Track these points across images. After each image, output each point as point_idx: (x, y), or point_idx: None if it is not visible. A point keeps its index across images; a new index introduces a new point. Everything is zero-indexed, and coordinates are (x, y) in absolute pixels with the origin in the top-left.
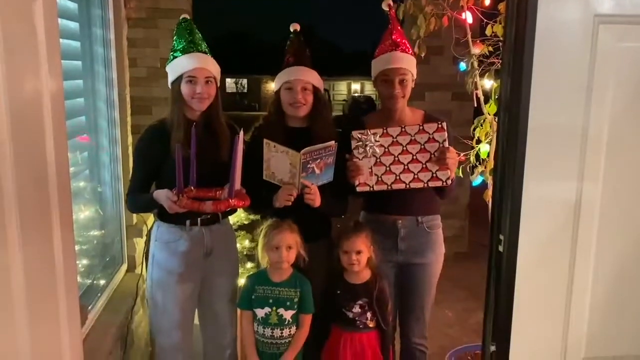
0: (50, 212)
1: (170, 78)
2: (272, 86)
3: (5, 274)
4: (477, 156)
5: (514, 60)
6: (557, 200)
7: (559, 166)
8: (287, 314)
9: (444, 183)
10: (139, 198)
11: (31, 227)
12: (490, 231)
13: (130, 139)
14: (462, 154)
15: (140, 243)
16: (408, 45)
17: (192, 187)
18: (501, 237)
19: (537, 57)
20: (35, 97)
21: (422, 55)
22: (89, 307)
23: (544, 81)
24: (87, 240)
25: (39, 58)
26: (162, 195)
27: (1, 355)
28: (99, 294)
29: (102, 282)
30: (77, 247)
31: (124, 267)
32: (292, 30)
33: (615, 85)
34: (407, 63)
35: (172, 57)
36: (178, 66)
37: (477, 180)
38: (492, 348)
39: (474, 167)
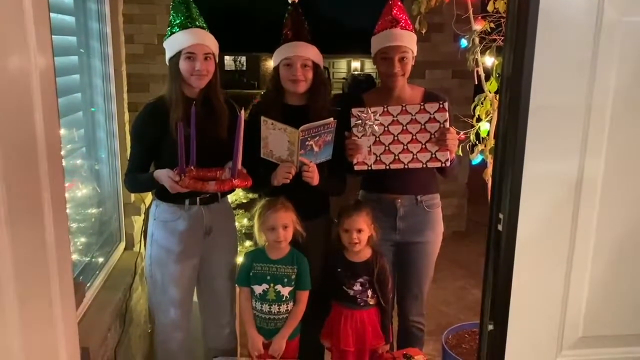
0: (41, 191)
1: (168, 54)
2: (271, 64)
3: None
4: (477, 135)
5: (517, 35)
6: (558, 179)
7: (561, 143)
8: (285, 291)
9: (443, 164)
10: (138, 178)
11: (20, 206)
12: (490, 210)
13: (127, 116)
14: (461, 133)
15: (138, 221)
16: (409, 21)
17: (192, 167)
18: (501, 216)
19: (540, 32)
20: (22, 73)
21: (423, 31)
22: (87, 285)
23: (547, 57)
24: (84, 218)
25: (25, 32)
26: (163, 175)
27: None
28: (97, 272)
29: (100, 260)
30: (74, 225)
31: (122, 245)
32: (289, 1)
33: (620, 60)
34: (407, 40)
35: (169, 32)
36: (176, 42)
37: (476, 159)
38: (490, 327)
39: (473, 145)
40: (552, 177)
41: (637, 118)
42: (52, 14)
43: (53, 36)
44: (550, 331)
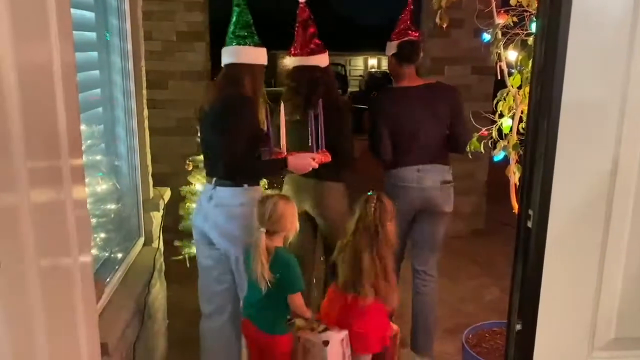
0: (63, 187)
1: (258, 62)
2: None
3: (15, 234)
4: (500, 131)
5: (549, 25)
6: (591, 174)
7: (595, 137)
8: None
9: None
10: (266, 164)
11: (43, 204)
12: (519, 206)
13: (146, 112)
14: (483, 129)
15: (157, 217)
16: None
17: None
18: (530, 212)
19: (573, 22)
20: (45, 65)
21: (444, 26)
22: (107, 281)
23: (580, 48)
24: (103, 213)
25: (48, 23)
26: (303, 159)
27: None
28: (116, 268)
29: (119, 255)
30: (94, 220)
31: (141, 240)
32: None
33: None
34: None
35: (250, 42)
36: (262, 56)
37: (499, 155)
38: (518, 327)
39: (495, 142)
40: (585, 172)
41: None
42: (74, 10)
43: (73, 32)
44: (581, 332)
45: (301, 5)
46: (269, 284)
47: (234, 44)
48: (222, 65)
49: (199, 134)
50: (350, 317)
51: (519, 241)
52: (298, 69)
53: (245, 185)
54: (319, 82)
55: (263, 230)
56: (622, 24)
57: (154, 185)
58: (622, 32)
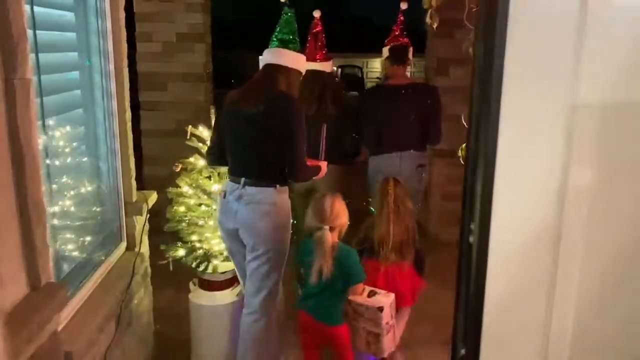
0: None
1: (296, 67)
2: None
3: None
4: None
5: (486, 22)
6: (538, 184)
7: (541, 144)
8: None
9: None
10: (311, 168)
11: None
12: (461, 219)
13: (128, 114)
14: None
15: (140, 221)
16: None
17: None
18: (472, 226)
19: (512, 18)
20: None
21: (434, 26)
22: (82, 282)
23: (522, 46)
24: (79, 216)
25: None
26: (324, 165)
27: None
28: (93, 271)
29: (97, 259)
30: (79, 223)
31: (123, 245)
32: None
33: (611, 53)
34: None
35: (292, 47)
36: (301, 63)
37: None
38: (462, 352)
39: None
40: (530, 182)
41: (634, 117)
42: (51, 10)
43: (53, 32)
44: (531, 358)
45: (316, 19)
46: (331, 277)
47: (275, 45)
48: (261, 66)
49: (222, 133)
50: (393, 282)
51: (462, 258)
52: (309, 72)
53: (277, 186)
54: (328, 85)
55: (327, 227)
56: (568, 25)
57: (150, 189)
58: (569, 33)
